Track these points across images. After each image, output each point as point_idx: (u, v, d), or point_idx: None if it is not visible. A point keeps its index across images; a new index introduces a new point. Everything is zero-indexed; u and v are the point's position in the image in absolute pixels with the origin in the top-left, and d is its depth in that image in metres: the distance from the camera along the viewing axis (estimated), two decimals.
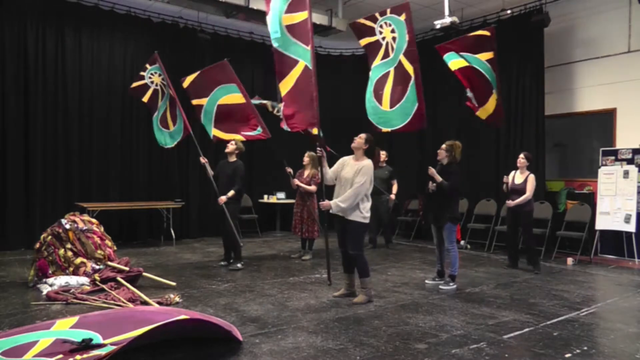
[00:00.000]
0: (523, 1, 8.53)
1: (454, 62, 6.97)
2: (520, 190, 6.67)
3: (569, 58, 8.57)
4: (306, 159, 7.49)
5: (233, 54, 9.75)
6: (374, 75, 6.21)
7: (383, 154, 8.53)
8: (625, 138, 7.87)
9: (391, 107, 6.01)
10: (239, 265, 6.62)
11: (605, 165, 7.86)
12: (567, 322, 4.37)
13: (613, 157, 7.86)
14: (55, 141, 8.25)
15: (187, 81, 7.19)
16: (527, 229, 6.80)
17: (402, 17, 5.99)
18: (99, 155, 8.70)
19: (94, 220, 6.15)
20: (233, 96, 7.02)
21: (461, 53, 6.91)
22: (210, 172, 6.70)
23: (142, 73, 7.56)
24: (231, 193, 6.49)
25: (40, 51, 8.12)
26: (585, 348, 3.70)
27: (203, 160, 6.70)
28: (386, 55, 6.14)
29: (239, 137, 6.99)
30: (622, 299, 5.31)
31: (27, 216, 7.98)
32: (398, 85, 5.97)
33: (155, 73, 7.50)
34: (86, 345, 3.24)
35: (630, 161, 7.67)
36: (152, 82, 7.54)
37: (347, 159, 5.12)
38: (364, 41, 6.32)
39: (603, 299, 5.29)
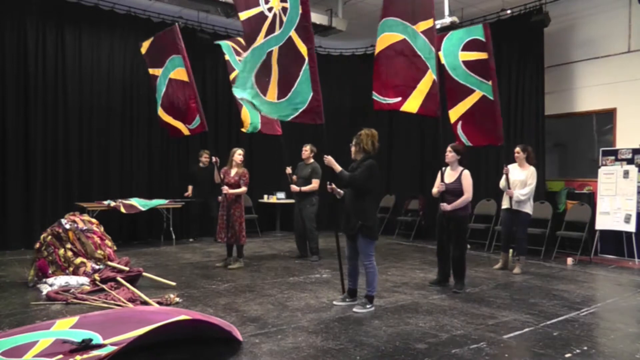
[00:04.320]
0: (523, 1, 8.53)
1: (385, 36, 5.54)
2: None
3: (569, 58, 8.57)
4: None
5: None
6: (254, 59, 5.01)
7: (307, 149, 7.46)
8: (625, 138, 7.87)
9: (280, 98, 5.00)
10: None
11: (605, 165, 7.86)
12: (567, 322, 4.37)
13: (613, 157, 7.86)
14: (55, 141, 8.25)
15: (145, 47, 6.89)
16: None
17: None
18: (99, 155, 8.70)
19: (94, 220, 6.15)
20: (180, 71, 6.61)
21: (397, 19, 5.47)
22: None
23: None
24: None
25: (40, 51, 8.12)
26: (585, 348, 3.69)
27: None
28: (271, 30, 5.01)
29: (184, 129, 6.77)
30: (622, 299, 5.31)
31: (27, 216, 7.98)
32: (287, 68, 4.96)
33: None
34: (86, 346, 3.24)
35: (630, 161, 7.67)
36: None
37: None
38: (243, 15, 5.12)
39: (603, 299, 5.29)
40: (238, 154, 6.75)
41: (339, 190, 4.92)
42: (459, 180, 5.56)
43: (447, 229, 5.60)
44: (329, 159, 4.73)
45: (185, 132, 6.94)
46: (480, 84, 6.27)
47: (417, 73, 5.39)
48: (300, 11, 4.85)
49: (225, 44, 7.41)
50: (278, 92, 4.99)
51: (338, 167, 4.69)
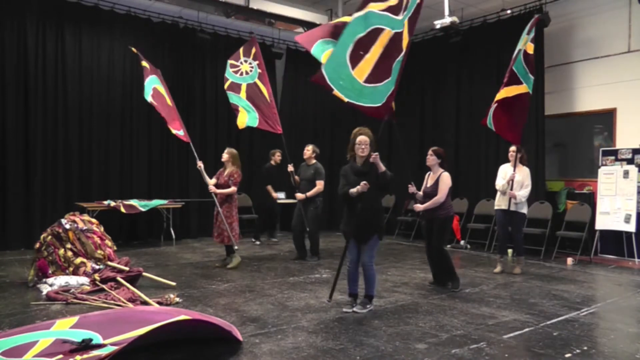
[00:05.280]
0: (523, 1, 8.54)
1: (328, 52, 5.27)
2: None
3: (569, 58, 8.57)
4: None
5: (233, 54, 9.74)
6: (364, 24, 4.51)
7: (309, 149, 7.38)
8: (625, 138, 7.87)
9: (367, 82, 4.50)
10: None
11: (605, 165, 7.86)
12: (567, 322, 4.37)
13: (613, 157, 7.86)
14: (55, 141, 8.26)
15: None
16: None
17: None
18: (99, 155, 8.70)
19: (94, 220, 6.15)
20: (160, 88, 7.18)
21: (331, 39, 5.46)
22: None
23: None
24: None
25: (40, 51, 8.12)
26: (585, 348, 3.69)
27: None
28: (396, 9, 4.56)
29: (171, 129, 7.08)
30: (622, 299, 5.31)
31: (27, 216, 7.98)
32: (388, 57, 4.53)
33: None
34: (86, 345, 3.25)
35: (630, 161, 7.67)
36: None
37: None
38: None
39: (603, 299, 5.29)
40: (224, 154, 6.79)
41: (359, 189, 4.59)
42: (437, 182, 5.56)
43: (428, 231, 5.64)
44: (377, 158, 4.50)
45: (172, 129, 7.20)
46: (527, 78, 6.40)
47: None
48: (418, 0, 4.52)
49: (228, 64, 7.69)
50: (368, 76, 4.49)
51: (383, 167, 4.52)
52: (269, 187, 8.79)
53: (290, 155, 7.48)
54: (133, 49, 7.50)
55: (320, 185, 7.12)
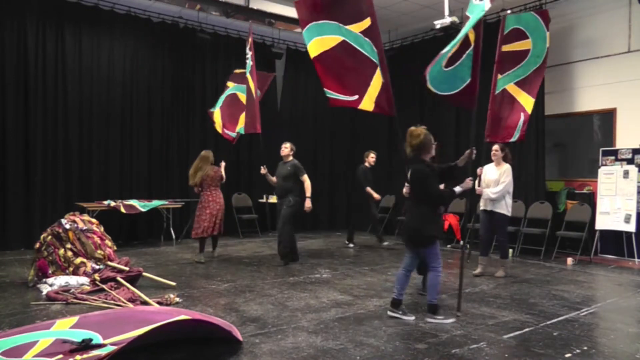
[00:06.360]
0: (523, 1, 8.53)
1: (319, 40, 5.21)
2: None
3: (569, 58, 8.57)
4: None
5: (233, 54, 9.77)
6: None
7: (287, 147, 7.30)
8: (625, 138, 7.87)
9: (447, 66, 4.83)
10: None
11: (605, 165, 7.86)
12: (567, 322, 4.37)
13: (613, 157, 7.86)
14: (55, 141, 8.26)
15: (239, 70, 8.26)
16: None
17: None
18: (99, 155, 8.70)
19: (94, 220, 6.15)
20: (242, 96, 7.92)
21: (328, 21, 5.17)
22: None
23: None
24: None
25: (40, 51, 8.12)
26: (585, 348, 3.70)
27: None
28: None
29: (219, 129, 8.18)
30: (622, 299, 5.31)
31: (27, 216, 7.98)
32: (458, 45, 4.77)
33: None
34: (86, 345, 3.25)
35: (630, 161, 7.66)
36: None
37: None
38: None
39: (603, 299, 5.29)
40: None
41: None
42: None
43: None
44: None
45: (219, 129, 8.29)
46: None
47: (367, 71, 5.06)
48: (485, 7, 4.71)
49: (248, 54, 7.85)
50: (448, 60, 4.80)
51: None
52: (369, 189, 8.69)
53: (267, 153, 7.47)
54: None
55: (307, 180, 7.05)
